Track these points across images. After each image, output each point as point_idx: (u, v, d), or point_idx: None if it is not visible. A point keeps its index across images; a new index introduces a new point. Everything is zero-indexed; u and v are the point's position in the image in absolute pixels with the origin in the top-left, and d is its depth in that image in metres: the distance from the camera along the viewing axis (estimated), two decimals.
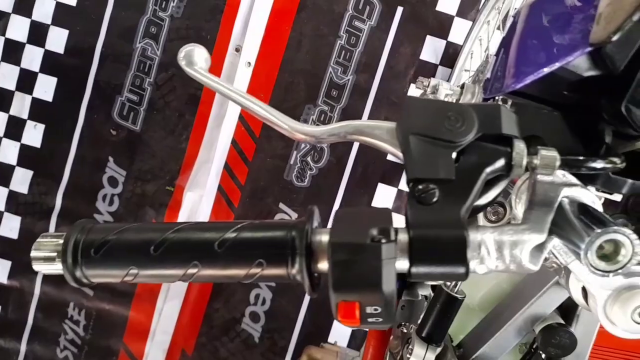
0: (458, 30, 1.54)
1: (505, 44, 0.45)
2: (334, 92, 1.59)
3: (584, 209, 0.39)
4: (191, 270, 0.34)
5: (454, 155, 0.37)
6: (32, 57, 1.59)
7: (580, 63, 0.40)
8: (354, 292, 0.32)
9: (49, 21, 1.58)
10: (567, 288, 0.52)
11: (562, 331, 0.57)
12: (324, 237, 0.34)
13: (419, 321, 0.68)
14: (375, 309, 0.32)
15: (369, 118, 1.58)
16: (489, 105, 0.39)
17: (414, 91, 1.53)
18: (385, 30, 1.56)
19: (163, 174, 1.62)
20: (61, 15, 1.58)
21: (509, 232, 0.35)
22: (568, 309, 0.61)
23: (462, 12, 1.54)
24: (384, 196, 1.60)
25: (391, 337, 0.81)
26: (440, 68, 1.56)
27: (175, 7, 1.57)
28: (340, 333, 1.61)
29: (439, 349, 0.63)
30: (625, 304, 0.46)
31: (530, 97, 0.47)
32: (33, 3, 1.57)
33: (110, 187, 1.63)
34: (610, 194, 0.44)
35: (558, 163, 0.37)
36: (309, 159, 1.60)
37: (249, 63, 1.57)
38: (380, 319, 0.33)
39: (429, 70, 1.56)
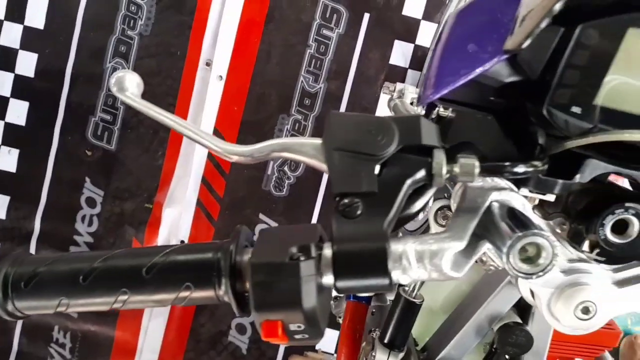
0: (425, 33, 1.55)
1: (432, 53, 0.46)
2: (307, 101, 1.59)
3: (511, 213, 0.40)
4: (121, 297, 0.34)
5: (377, 168, 0.38)
6: (3, 82, 1.59)
7: (500, 70, 0.41)
8: (275, 311, 0.33)
9: (17, 46, 1.57)
10: (517, 287, 0.53)
11: (517, 330, 0.58)
12: (247, 258, 0.35)
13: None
14: (299, 326, 0.33)
15: None
16: (410, 117, 0.39)
17: (382, 96, 1.54)
18: (354, 37, 1.57)
19: (141, 192, 1.62)
20: (29, 39, 1.57)
21: (429, 242, 0.36)
22: (524, 308, 0.62)
23: (428, 15, 1.55)
24: None
25: (364, 343, 0.82)
26: (409, 71, 1.57)
27: (143, 25, 1.58)
28: (326, 340, 1.61)
29: (401, 354, 0.64)
30: (568, 301, 0.47)
31: (462, 104, 0.48)
32: (0, 28, 1.56)
33: (88, 208, 1.62)
34: (544, 194, 0.45)
35: (477, 170, 0.38)
36: (285, 168, 1.61)
37: (221, 77, 1.57)
38: (307, 335, 0.34)
39: (399, 74, 1.58)
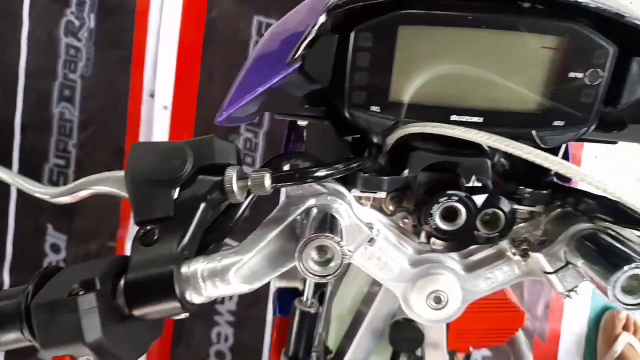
0: None
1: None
2: (256, 118, 1.60)
3: (324, 218, 0.40)
4: None
5: (176, 192, 0.38)
6: None
7: (297, 81, 0.41)
8: (61, 347, 0.33)
9: None
10: None
11: (407, 326, 0.57)
12: None
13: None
14: (89, 359, 0.33)
15: None
16: (204, 139, 0.40)
17: None
18: None
19: (103, 230, 1.63)
20: None
21: (217, 259, 0.35)
22: None
23: None
24: None
25: None
26: None
27: (84, 67, 1.59)
28: None
29: None
30: (420, 292, 0.47)
31: (294, 115, 0.48)
32: None
33: (54, 254, 1.63)
34: (375, 193, 0.45)
35: (268, 182, 0.38)
36: None
37: (166, 107, 1.58)
38: None
39: None
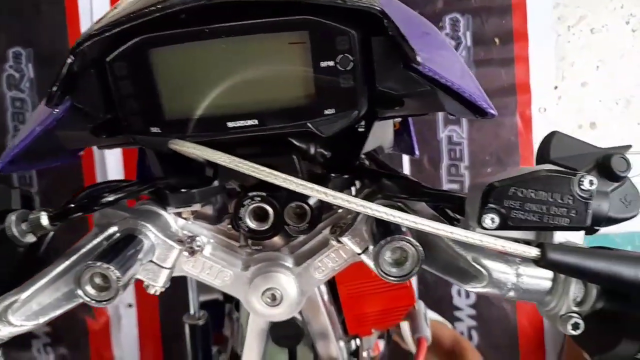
0: None
1: None
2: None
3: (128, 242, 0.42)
4: None
5: None
6: None
7: (76, 117, 0.42)
8: None
9: None
10: None
11: (283, 323, 0.58)
12: None
13: None
14: None
15: None
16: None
17: None
18: None
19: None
20: None
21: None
22: None
23: None
24: None
25: None
26: None
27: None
28: None
29: None
30: (255, 292, 0.48)
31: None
32: None
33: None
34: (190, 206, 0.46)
35: (45, 222, 0.40)
36: None
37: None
38: None
39: None
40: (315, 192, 0.38)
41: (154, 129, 0.42)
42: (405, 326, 0.69)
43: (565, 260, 0.33)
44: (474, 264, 0.38)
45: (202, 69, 0.40)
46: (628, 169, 0.36)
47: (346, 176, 0.46)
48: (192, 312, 0.63)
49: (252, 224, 0.44)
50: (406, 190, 0.43)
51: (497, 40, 1.50)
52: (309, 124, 0.42)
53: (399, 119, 0.67)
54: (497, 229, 0.34)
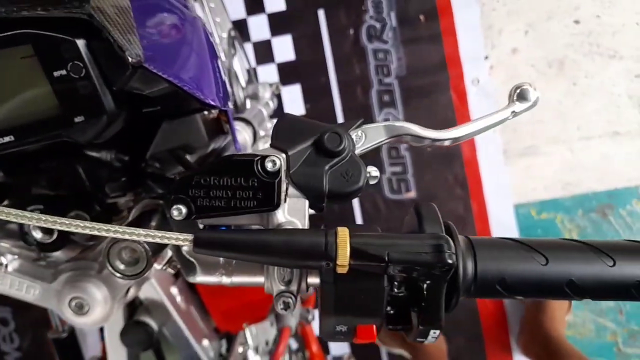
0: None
1: None
2: None
3: None
4: None
5: None
6: None
7: None
8: None
9: None
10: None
11: (133, 329, 0.59)
12: None
13: None
14: None
15: None
16: None
17: None
18: None
19: None
20: None
21: None
22: None
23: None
24: None
25: None
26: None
27: None
28: None
29: None
30: (61, 303, 0.49)
31: None
32: None
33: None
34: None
35: None
36: None
37: None
38: None
39: None
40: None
41: None
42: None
43: (215, 241, 0.33)
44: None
45: None
46: (341, 145, 0.36)
47: (123, 179, 0.46)
48: (55, 327, 0.64)
49: (37, 235, 0.45)
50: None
51: (422, 17, 1.49)
52: (63, 134, 0.42)
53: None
54: (186, 218, 0.35)
